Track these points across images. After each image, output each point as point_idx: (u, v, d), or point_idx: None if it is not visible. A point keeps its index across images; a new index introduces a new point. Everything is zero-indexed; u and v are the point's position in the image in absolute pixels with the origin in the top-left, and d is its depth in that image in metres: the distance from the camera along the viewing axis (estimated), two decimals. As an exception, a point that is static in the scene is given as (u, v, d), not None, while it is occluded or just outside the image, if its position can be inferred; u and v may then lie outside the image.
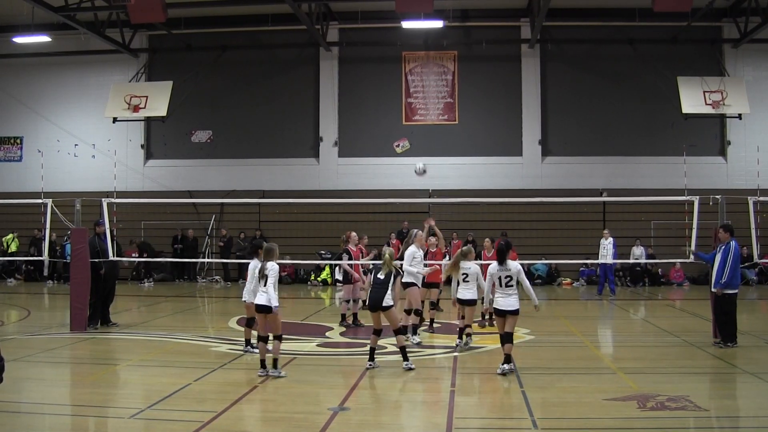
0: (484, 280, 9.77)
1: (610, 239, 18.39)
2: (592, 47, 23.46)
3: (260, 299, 8.59)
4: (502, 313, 8.86)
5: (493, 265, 9.07)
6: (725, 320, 10.39)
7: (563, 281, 22.30)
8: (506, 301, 8.81)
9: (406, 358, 8.94)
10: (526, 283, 8.97)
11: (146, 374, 9.12)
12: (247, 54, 24.48)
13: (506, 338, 8.78)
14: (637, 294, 19.96)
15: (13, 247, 23.11)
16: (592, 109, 23.39)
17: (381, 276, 9.01)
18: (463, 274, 10.02)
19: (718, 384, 8.73)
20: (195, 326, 13.64)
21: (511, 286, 8.86)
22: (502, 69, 23.70)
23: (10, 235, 23.17)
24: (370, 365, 8.96)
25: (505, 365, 8.67)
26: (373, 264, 9.28)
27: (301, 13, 20.67)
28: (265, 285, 8.53)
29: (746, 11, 21.16)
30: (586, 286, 21.55)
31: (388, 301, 8.85)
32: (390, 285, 8.97)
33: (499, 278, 8.90)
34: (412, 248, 11.27)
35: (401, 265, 10.70)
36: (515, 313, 8.84)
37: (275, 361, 8.63)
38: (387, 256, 9.16)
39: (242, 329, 12.47)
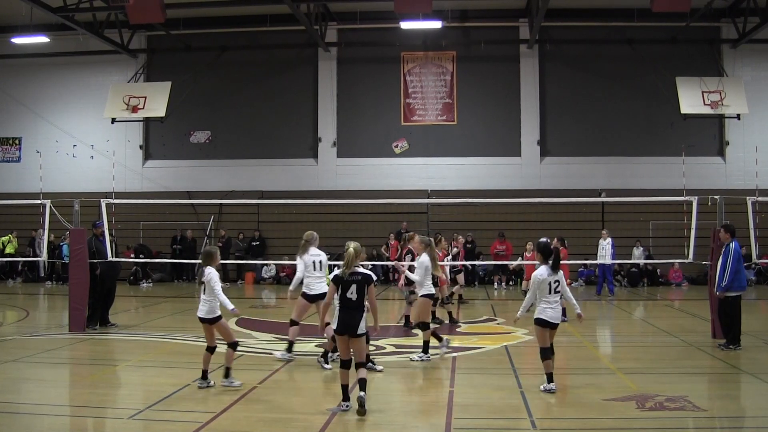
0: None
1: (609, 239, 18.41)
2: (591, 47, 23.46)
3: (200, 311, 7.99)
4: (553, 326, 7.99)
5: (543, 270, 7.90)
6: (729, 322, 10.35)
7: (562, 281, 22.29)
8: (556, 312, 7.93)
9: (362, 388, 6.90)
10: (568, 292, 8.13)
11: (145, 375, 9.12)
12: (246, 54, 24.48)
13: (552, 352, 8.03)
14: (636, 294, 19.95)
15: (10, 249, 23.03)
16: (590, 109, 23.40)
17: (353, 296, 7.05)
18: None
19: (717, 384, 8.72)
20: (194, 327, 13.55)
21: (559, 292, 7.96)
22: (501, 69, 23.70)
23: (7, 237, 23.11)
24: (348, 406, 7.00)
25: (551, 384, 7.83)
26: (339, 266, 7.35)
27: (299, 14, 20.67)
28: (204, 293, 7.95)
29: (745, 11, 21.19)
30: (584, 287, 21.55)
31: (362, 328, 7.05)
32: (365, 304, 7.17)
33: (549, 284, 7.86)
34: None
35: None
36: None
37: (227, 369, 8.12)
38: (351, 250, 7.16)
39: (241, 330, 12.51)
